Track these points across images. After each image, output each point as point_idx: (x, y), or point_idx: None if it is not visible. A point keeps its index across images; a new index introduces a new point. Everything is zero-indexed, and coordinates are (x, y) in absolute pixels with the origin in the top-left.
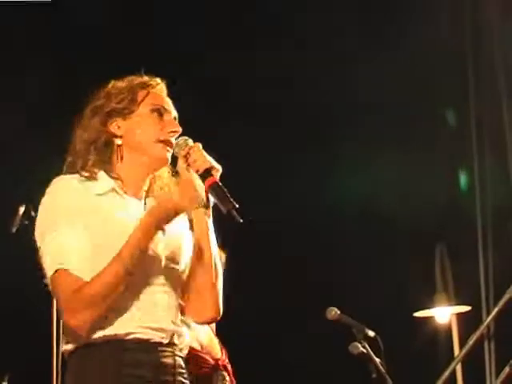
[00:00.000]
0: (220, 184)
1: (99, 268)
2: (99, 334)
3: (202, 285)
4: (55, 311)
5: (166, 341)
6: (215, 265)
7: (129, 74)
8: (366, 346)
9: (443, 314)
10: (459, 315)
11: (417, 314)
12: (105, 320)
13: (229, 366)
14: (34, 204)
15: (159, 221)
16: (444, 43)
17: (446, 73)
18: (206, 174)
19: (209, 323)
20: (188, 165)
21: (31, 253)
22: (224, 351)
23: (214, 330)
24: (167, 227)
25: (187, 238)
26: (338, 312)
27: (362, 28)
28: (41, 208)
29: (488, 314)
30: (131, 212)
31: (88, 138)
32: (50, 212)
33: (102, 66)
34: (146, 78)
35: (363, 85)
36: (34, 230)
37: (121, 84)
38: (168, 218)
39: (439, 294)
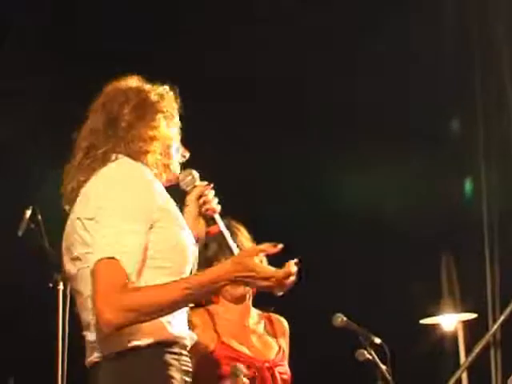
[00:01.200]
0: (223, 232)
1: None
2: (147, 339)
3: None
4: (61, 316)
5: (189, 344)
6: None
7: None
8: (372, 352)
9: (449, 321)
10: (465, 322)
11: (423, 321)
12: (153, 324)
13: (279, 368)
14: (40, 207)
15: (237, 272)
16: (450, 46)
17: (452, 78)
18: (211, 220)
19: None
20: (201, 205)
21: (37, 255)
22: (283, 352)
23: None
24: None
25: None
26: (345, 319)
27: (362, 27)
28: (112, 189)
29: (494, 321)
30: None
31: (157, 136)
32: (123, 196)
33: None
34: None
35: (365, 88)
36: (40, 233)
37: (162, 91)
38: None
39: (445, 301)
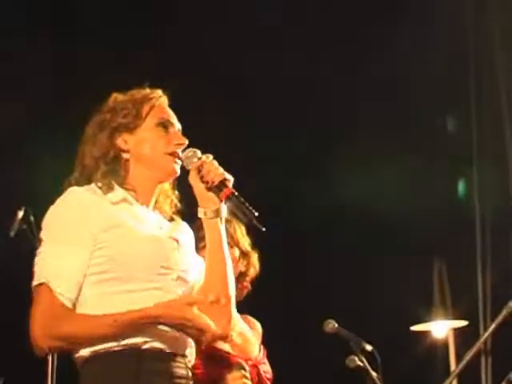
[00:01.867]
0: (237, 194)
1: (106, 287)
2: (118, 342)
3: (216, 295)
4: None
5: (180, 352)
6: (230, 274)
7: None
8: (363, 359)
9: (440, 328)
10: (456, 330)
11: (414, 328)
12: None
13: (263, 366)
14: (33, 207)
15: (166, 318)
16: (445, 47)
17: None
18: (221, 186)
19: (218, 340)
20: (201, 177)
21: (29, 257)
22: (263, 351)
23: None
24: (181, 238)
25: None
26: (336, 325)
27: (360, 30)
28: (48, 217)
29: (485, 329)
30: (146, 221)
31: (96, 152)
32: (56, 223)
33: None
34: (148, 91)
35: (364, 88)
36: (32, 233)
37: (124, 98)
38: (172, 321)
39: (437, 308)
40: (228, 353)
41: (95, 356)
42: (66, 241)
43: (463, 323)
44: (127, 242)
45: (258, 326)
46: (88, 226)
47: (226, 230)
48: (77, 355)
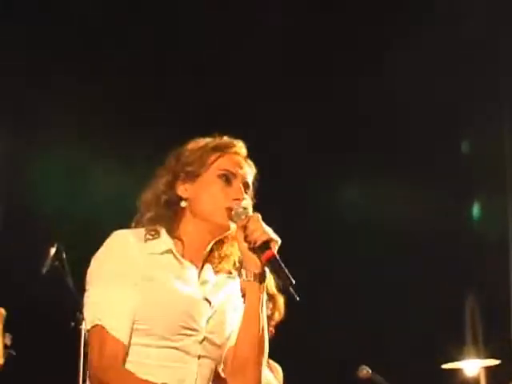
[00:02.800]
0: (278, 258)
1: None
2: None
3: (245, 360)
4: (82, 356)
5: None
6: (262, 341)
7: None
8: None
9: (472, 366)
10: (488, 368)
11: (445, 366)
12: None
13: None
14: (65, 244)
15: None
16: (464, 67)
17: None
18: (263, 247)
19: None
20: (246, 236)
21: (60, 293)
22: None
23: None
24: (215, 299)
25: (235, 310)
26: (370, 371)
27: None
28: (94, 260)
29: None
30: (185, 277)
31: (156, 197)
32: (101, 265)
33: None
34: (221, 141)
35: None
36: (64, 270)
37: (196, 145)
38: None
39: (468, 346)
40: None
41: None
42: (113, 281)
43: (495, 362)
44: (153, 297)
45: (280, 369)
46: (132, 268)
47: None
48: None
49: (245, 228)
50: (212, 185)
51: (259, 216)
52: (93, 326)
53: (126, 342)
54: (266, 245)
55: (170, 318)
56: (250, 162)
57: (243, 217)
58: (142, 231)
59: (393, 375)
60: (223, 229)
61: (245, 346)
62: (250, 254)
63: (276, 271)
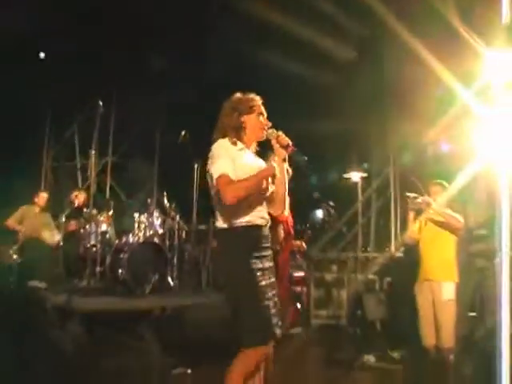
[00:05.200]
0: (296, 150)
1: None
2: (239, 221)
3: (277, 198)
4: None
5: (267, 224)
6: (284, 189)
7: None
8: None
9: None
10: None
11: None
12: (242, 212)
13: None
14: None
15: (269, 175)
16: None
17: None
18: (287, 146)
19: (280, 215)
20: (278, 142)
21: None
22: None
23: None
24: (258, 161)
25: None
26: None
27: None
28: (214, 149)
29: None
30: (251, 157)
31: (232, 123)
32: (219, 151)
33: None
34: (256, 98)
35: None
36: None
37: (245, 97)
38: (271, 176)
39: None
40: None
41: (227, 228)
42: (225, 157)
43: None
44: (243, 165)
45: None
46: (230, 153)
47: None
48: (217, 224)
49: (277, 139)
50: (255, 119)
51: (281, 133)
52: (220, 175)
53: (234, 179)
54: (288, 145)
55: (250, 171)
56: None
57: (273, 134)
58: (227, 139)
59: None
60: (261, 138)
61: (278, 188)
62: (281, 149)
63: (294, 155)
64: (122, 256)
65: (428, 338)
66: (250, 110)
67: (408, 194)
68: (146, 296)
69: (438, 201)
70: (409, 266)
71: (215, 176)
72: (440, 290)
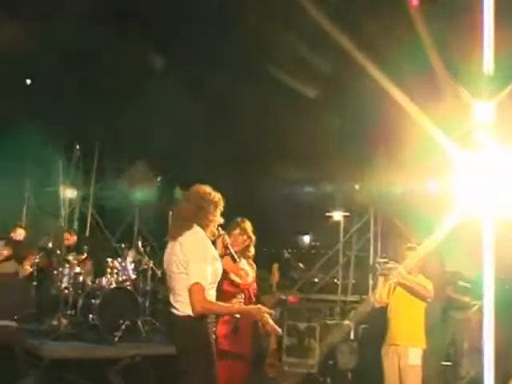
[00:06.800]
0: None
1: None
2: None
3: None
4: None
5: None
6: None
7: None
8: None
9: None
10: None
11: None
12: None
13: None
14: None
15: (247, 313)
16: None
17: None
18: (226, 247)
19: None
20: (221, 241)
21: None
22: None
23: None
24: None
25: None
26: None
27: None
28: (194, 243)
29: None
30: (216, 253)
31: (208, 218)
32: (200, 251)
33: None
34: (218, 197)
35: None
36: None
37: (215, 194)
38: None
39: None
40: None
41: (194, 317)
42: (206, 263)
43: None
44: (215, 268)
45: (254, 266)
46: (209, 256)
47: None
48: (184, 314)
49: (223, 243)
50: (218, 216)
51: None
52: (197, 283)
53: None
54: (227, 245)
55: (218, 274)
56: None
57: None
58: (201, 232)
59: None
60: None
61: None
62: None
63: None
64: (93, 301)
65: None
66: (216, 207)
67: (379, 259)
68: (116, 343)
69: (409, 265)
70: (386, 313)
71: (192, 280)
72: (406, 354)
